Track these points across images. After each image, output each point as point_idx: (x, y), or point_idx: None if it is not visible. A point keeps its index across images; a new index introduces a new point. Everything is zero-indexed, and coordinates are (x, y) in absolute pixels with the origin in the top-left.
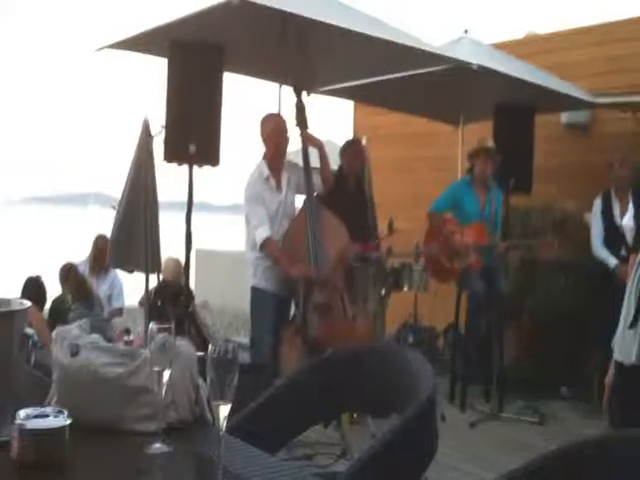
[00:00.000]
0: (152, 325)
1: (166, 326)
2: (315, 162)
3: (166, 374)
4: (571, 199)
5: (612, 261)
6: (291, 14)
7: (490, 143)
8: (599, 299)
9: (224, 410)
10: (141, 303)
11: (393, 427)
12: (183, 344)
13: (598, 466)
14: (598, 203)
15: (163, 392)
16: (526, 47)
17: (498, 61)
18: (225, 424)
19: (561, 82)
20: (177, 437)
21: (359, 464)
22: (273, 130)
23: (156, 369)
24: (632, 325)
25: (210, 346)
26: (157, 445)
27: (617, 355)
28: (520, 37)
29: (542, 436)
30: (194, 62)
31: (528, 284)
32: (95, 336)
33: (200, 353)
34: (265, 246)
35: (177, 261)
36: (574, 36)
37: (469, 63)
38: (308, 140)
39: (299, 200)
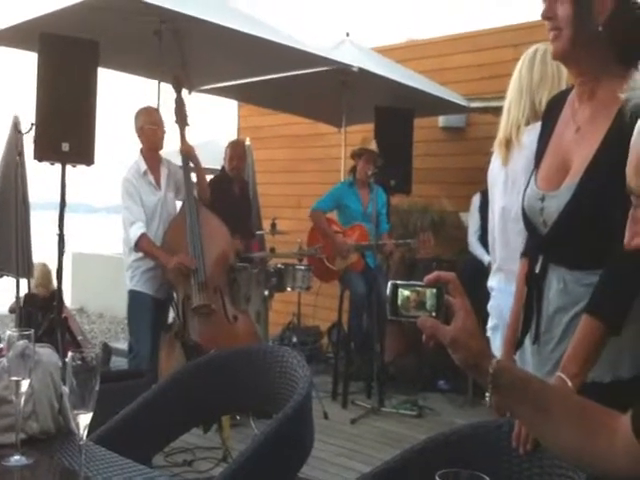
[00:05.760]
0: (9, 332)
1: (26, 333)
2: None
3: (25, 383)
4: (448, 199)
5: (486, 258)
6: (167, 10)
7: (373, 144)
8: (473, 295)
9: (85, 419)
10: (11, 310)
11: (267, 428)
12: (45, 351)
13: (461, 452)
14: (476, 201)
15: (22, 402)
16: (405, 52)
17: (378, 65)
18: (86, 433)
19: (438, 87)
20: (39, 448)
21: (234, 466)
22: (145, 121)
23: (14, 378)
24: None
25: (69, 354)
26: (16, 457)
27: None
28: (399, 42)
29: (419, 428)
30: (65, 57)
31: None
32: None
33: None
34: (139, 243)
35: (46, 266)
36: (448, 43)
37: (350, 65)
38: (187, 151)
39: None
